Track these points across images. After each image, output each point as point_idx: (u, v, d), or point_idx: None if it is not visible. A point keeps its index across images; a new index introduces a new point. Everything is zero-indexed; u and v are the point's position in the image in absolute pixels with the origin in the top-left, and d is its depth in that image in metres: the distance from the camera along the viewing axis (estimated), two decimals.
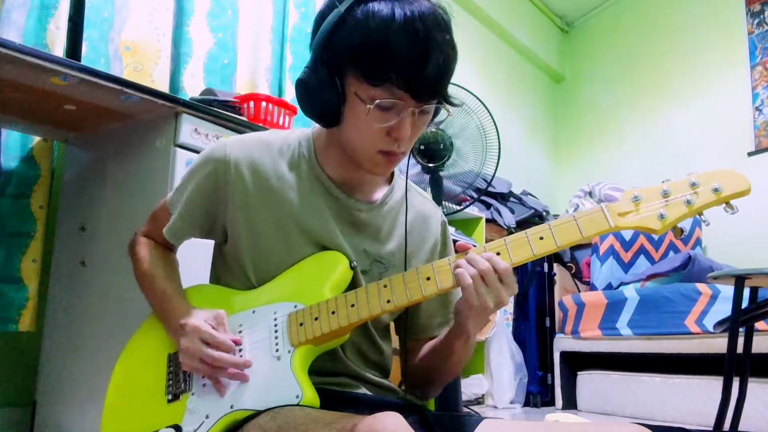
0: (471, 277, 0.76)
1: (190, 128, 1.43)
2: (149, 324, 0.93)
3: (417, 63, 0.75)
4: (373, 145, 0.81)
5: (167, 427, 0.80)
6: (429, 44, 0.75)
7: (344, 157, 0.88)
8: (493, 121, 2.09)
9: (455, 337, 0.87)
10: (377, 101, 0.77)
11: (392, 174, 0.99)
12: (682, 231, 0.76)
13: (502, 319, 3.07)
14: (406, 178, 0.97)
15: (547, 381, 3.04)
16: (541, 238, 0.77)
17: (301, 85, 0.82)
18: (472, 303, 0.76)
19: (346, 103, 0.80)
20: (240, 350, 0.82)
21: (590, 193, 3.72)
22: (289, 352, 0.79)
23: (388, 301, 0.79)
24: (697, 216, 0.74)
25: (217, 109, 1.53)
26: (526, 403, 2.96)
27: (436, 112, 0.86)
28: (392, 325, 1.01)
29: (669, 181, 0.76)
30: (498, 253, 0.77)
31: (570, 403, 2.94)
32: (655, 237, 3.17)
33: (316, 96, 0.81)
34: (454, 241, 1.01)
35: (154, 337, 0.90)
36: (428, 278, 0.79)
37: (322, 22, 0.80)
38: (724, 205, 0.73)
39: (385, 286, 0.80)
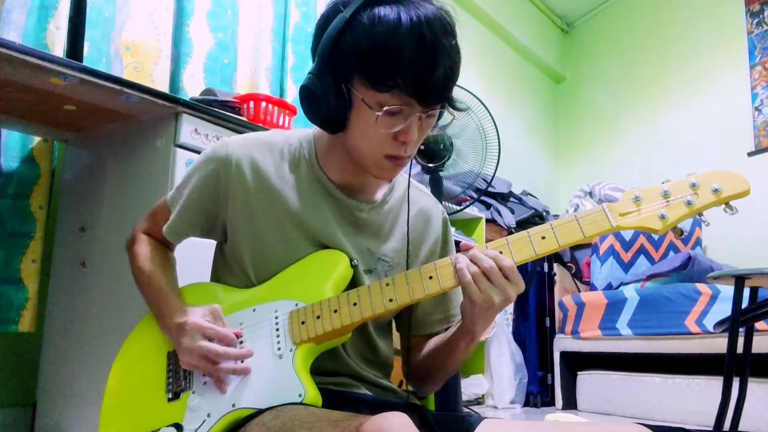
0: (472, 275, 0.76)
1: (190, 128, 1.43)
2: (147, 322, 0.93)
3: (424, 69, 0.74)
4: (380, 150, 0.81)
5: (168, 426, 0.79)
6: (436, 50, 0.74)
7: (347, 160, 0.87)
8: (493, 121, 2.09)
9: (460, 337, 0.87)
10: (385, 108, 0.76)
11: None
12: (682, 231, 0.77)
13: (502, 319, 3.06)
14: (409, 176, 0.96)
15: (547, 381, 3.04)
16: (543, 238, 0.77)
17: (306, 92, 0.81)
18: (474, 300, 0.76)
19: (352, 110, 0.80)
20: (241, 347, 0.82)
21: (590, 193, 3.72)
22: (291, 350, 0.79)
23: (391, 300, 0.79)
24: (698, 216, 0.75)
25: (217, 110, 1.53)
26: (526, 403, 2.96)
27: (440, 115, 0.86)
28: (393, 322, 1.01)
29: (669, 181, 0.76)
30: (500, 252, 0.77)
31: (570, 403, 2.94)
32: (655, 237, 3.17)
33: (321, 103, 0.80)
34: (456, 242, 1.01)
35: (152, 334, 0.90)
36: (431, 277, 0.79)
37: (326, 26, 0.79)
38: (723, 205, 0.74)
39: (388, 285, 0.80)
